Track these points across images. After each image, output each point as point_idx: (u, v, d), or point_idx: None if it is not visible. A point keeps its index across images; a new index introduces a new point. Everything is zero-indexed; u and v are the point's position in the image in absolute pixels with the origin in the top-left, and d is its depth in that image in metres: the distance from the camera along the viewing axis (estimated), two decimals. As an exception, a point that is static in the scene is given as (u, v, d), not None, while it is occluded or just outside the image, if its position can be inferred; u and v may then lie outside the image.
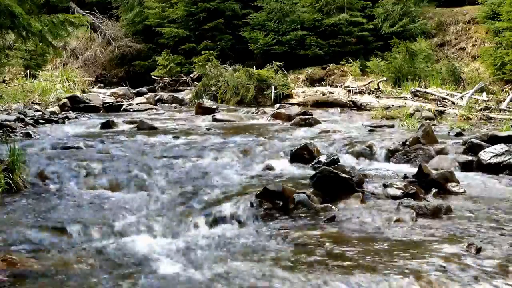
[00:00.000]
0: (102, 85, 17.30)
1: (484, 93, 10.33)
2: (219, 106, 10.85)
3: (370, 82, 12.58)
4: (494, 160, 5.23)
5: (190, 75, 15.93)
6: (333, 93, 11.58)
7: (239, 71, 12.23)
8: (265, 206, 3.97)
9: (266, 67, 12.83)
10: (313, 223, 3.75)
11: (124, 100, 12.51)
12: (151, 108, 11.39)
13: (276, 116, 9.40)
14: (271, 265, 3.01)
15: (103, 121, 8.46)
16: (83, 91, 12.87)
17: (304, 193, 4.09)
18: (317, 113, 9.60)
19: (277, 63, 12.73)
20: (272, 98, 11.76)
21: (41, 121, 8.59)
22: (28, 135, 7.11)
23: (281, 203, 4.00)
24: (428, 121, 8.03)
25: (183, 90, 14.95)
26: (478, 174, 5.18)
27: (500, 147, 5.33)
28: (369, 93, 11.84)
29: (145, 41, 19.10)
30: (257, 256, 3.17)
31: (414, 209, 3.89)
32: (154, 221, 3.76)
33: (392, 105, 10.19)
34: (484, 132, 6.48)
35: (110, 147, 6.30)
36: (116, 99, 12.66)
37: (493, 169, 5.17)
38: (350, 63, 14.70)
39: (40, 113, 9.29)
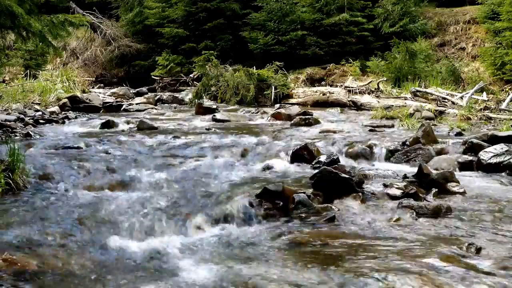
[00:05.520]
0: (102, 85, 17.35)
1: (484, 93, 10.33)
2: (219, 106, 10.86)
3: (370, 82, 12.59)
4: (494, 160, 5.23)
5: (190, 75, 15.95)
6: (333, 93, 11.59)
7: (239, 71, 12.24)
8: (265, 206, 3.96)
9: (266, 67, 12.84)
10: (313, 223, 3.75)
11: (124, 100, 12.54)
12: (151, 108, 11.41)
13: (276, 116, 9.40)
14: (270, 265, 3.01)
15: (103, 121, 8.47)
16: (83, 91, 12.89)
17: (304, 193, 4.08)
18: (317, 113, 9.60)
19: (277, 63, 12.74)
20: (272, 98, 11.77)
21: (41, 121, 8.61)
22: (28, 135, 7.10)
23: (281, 203, 3.99)
24: (428, 121, 8.03)
25: (183, 90, 14.98)
26: (478, 174, 5.18)
27: (500, 147, 5.33)
28: (369, 93, 11.86)
29: (145, 41, 19.13)
30: (256, 256, 3.17)
31: (414, 209, 3.89)
32: (154, 221, 3.76)
33: (392, 105, 10.20)
34: (484, 132, 6.48)
35: (110, 147, 6.31)
36: (116, 99, 12.68)
37: (493, 169, 5.17)
38: (350, 63, 14.72)
39: (40, 113, 9.30)
